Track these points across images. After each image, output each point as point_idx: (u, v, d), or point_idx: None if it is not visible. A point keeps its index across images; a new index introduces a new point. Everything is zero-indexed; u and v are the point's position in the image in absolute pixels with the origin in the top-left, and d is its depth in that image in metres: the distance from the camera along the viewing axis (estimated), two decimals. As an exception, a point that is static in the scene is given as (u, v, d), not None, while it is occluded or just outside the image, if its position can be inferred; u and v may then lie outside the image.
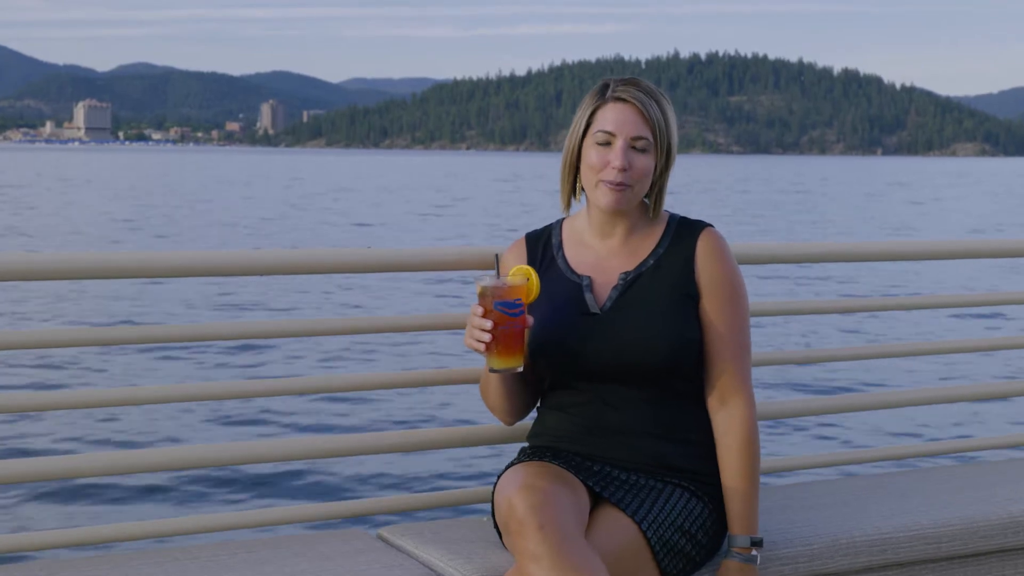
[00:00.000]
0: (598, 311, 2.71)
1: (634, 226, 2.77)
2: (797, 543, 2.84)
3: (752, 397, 2.72)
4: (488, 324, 2.56)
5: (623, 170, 2.66)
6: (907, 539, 2.94)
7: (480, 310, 2.58)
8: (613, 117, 2.68)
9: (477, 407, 2.87)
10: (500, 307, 2.56)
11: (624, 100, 2.69)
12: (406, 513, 3.14)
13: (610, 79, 2.74)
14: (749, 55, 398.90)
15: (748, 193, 64.56)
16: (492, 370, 2.62)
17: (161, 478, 7.95)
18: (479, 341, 2.57)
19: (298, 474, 8.23)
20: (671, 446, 2.69)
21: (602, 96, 2.72)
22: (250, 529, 3.06)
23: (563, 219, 2.87)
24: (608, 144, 2.68)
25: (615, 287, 2.72)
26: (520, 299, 2.58)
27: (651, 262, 2.73)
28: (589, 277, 2.75)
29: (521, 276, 2.63)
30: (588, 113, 2.72)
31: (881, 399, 3.76)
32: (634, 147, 2.68)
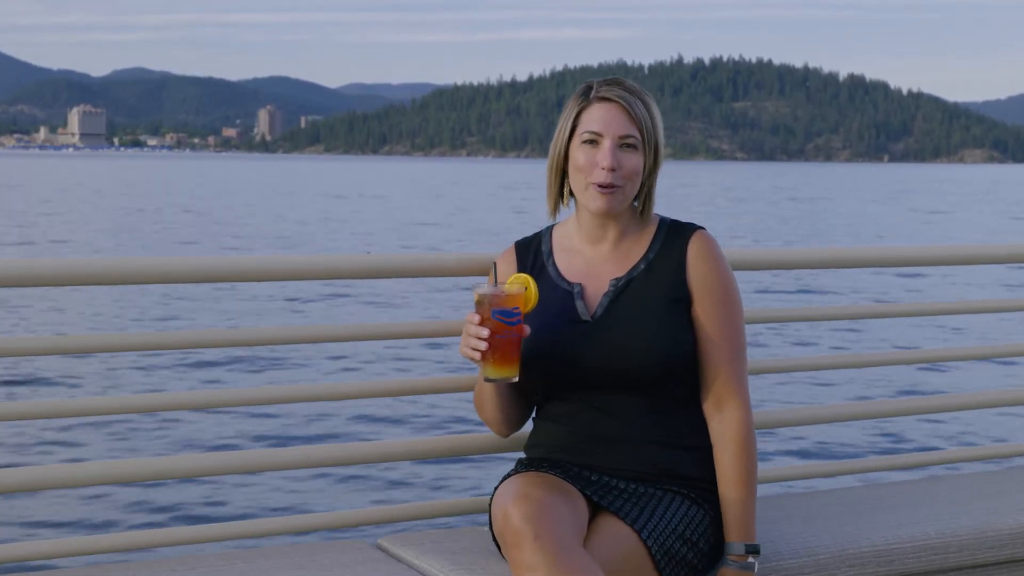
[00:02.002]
0: (589, 319, 2.67)
1: (625, 230, 2.74)
2: (802, 553, 2.80)
3: (747, 401, 2.69)
4: (485, 333, 2.52)
5: (612, 170, 2.63)
6: (914, 550, 2.91)
7: (477, 318, 2.54)
8: (599, 117, 2.66)
9: (475, 416, 2.85)
10: (497, 316, 2.53)
11: (609, 99, 2.66)
12: (405, 523, 3.11)
13: (593, 81, 2.72)
14: (753, 60, 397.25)
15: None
16: (487, 379, 2.59)
17: (157, 488, 7.92)
18: (475, 350, 2.54)
19: (296, 483, 8.21)
20: (669, 453, 2.65)
21: (586, 97, 2.69)
22: (248, 539, 3.03)
23: (552, 225, 2.85)
24: (595, 143, 2.65)
25: (606, 294, 2.69)
26: (518, 308, 2.55)
27: (642, 267, 2.70)
28: (580, 284, 2.72)
29: (519, 285, 2.60)
30: (573, 115, 2.69)
31: (884, 407, 3.74)
32: (622, 146, 2.65)
